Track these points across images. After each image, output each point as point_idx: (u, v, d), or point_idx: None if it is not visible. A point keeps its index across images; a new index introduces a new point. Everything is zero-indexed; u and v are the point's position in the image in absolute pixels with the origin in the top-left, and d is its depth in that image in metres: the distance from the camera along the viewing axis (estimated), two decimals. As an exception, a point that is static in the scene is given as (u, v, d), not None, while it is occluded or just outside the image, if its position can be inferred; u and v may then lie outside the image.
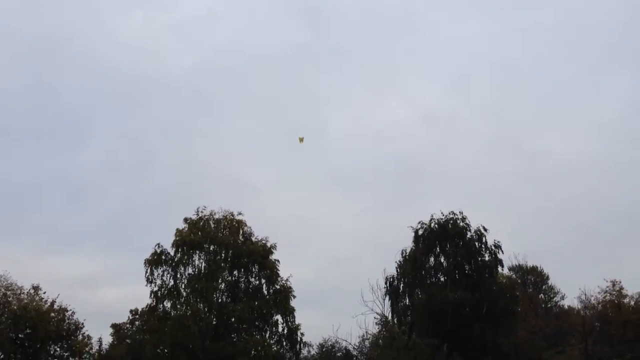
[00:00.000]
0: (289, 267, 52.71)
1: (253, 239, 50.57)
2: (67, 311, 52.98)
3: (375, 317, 42.92)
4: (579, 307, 61.85)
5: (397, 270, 48.05)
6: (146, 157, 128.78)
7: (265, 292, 49.65)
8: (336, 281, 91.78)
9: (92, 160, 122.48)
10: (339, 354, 60.08)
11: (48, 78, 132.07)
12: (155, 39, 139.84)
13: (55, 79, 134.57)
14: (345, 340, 45.63)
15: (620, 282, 58.74)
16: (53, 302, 52.62)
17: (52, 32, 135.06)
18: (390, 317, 45.33)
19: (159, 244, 49.32)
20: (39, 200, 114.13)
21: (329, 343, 59.08)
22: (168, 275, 48.82)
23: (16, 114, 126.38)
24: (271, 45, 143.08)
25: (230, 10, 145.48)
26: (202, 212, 50.75)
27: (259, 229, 52.16)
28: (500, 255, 47.74)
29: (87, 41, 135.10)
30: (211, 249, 49.37)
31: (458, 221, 47.64)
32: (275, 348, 48.02)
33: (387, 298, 46.62)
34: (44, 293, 53.04)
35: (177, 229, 49.59)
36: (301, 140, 45.91)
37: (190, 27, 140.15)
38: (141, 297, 52.86)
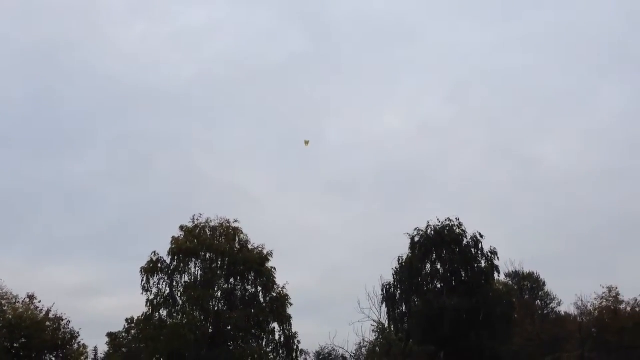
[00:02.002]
0: (286, 275, 52.64)
1: (249, 246, 50.44)
2: (62, 320, 52.69)
3: (372, 325, 42.98)
4: (576, 313, 61.90)
5: (393, 277, 48.10)
6: (144, 165, 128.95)
7: (262, 300, 49.48)
8: (333, 288, 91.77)
9: (90, 168, 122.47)
10: (335, 362, 59.93)
11: (48, 87, 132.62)
12: (154, 49, 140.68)
13: (55, 88, 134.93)
14: (342, 348, 45.65)
15: (616, 288, 58.80)
16: (48, 311, 52.35)
17: (52, 41, 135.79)
18: (387, 324, 45.36)
19: (155, 252, 49.21)
20: (36, 208, 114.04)
21: (326, 351, 59.00)
22: (164, 283, 48.62)
23: (15, 121, 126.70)
24: (269, 54, 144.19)
25: (229, 21, 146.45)
26: (198, 219, 50.67)
27: (257, 237, 52.19)
28: (496, 262, 47.90)
29: (87, 50, 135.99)
30: (207, 256, 49.22)
31: (454, 228, 47.74)
32: (271, 356, 47.82)
33: (384, 305, 46.74)
34: (39, 302, 52.80)
35: (173, 237, 49.47)
36: (307, 143, 47.35)
37: (189, 37, 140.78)
38: (137, 305, 52.75)
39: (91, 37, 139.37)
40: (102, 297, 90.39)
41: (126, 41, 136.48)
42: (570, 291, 75.53)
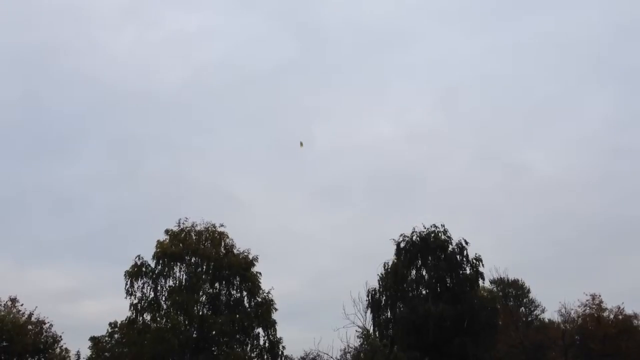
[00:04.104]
0: (273, 280, 52.56)
1: (235, 251, 50.33)
2: (44, 324, 52.28)
3: (357, 330, 42.85)
4: (559, 320, 62.33)
5: (379, 283, 47.98)
6: (132, 170, 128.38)
7: (247, 305, 49.35)
8: (318, 294, 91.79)
9: (78, 172, 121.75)
10: (320, 368, 59.78)
11: (37, 90, 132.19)
12: (146, 54, 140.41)
13: (45, 92, 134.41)
14: (327, 354, 45.25)
15: (600, 295, 59.32)
16: (30, 315, 51.89)
17: (41, 46, 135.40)
18: (371, 330, 45.31)
19: (139, 255, 48.93)
20: (23, 211, 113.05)
21: (311, 356, 58.63)
22: (148, 287, 48.35)
23: (3, 124, 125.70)
24: (260, 60, 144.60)
25: (221, 26, 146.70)
26: (183, 223, 50.52)
27: (244, 241, 52.02)
28: (481, 269, 47.80)
29: (77, 54, 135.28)
30: (192, 261, 49.03)
31: (440, 234, 47.78)
32: (256, 361, 47.72)
33: (369, 311, 46.61)
34: (22, 305, 52.37)
35: (158, 241, 49.24)
36: (302, 144, 49.20)
37: (180, 42, 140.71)
38: (121, 309, 52.28)
39: (82, 42, 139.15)
40: (86, 301, 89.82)
41: (117, 46, 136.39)
42: (554, 298, 75.86)
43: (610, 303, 59.27)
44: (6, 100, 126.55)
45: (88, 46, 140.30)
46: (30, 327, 51.29)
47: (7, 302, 52.09)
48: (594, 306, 58.92)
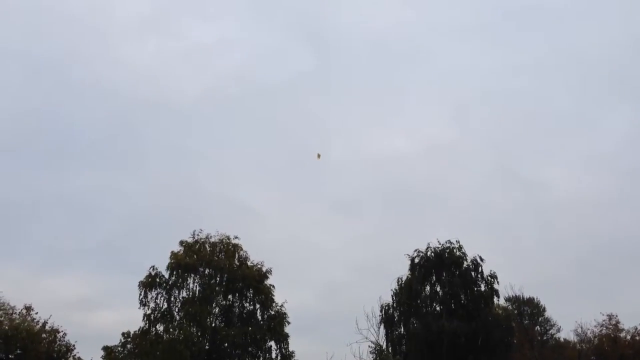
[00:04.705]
0: (286, 292, 52.43)
1: (249, 263, 50.38)
2: (58, 332, 52.42)
3: (369, 346, 42.75)
4: (575, 340, 61.48)
5: (392, 299, 47.80)
6: (148, 179, 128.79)
7: (260, 318, 49.30)
8: (332, 308, 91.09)
9: (95, 182, 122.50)
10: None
11: (56, 100, 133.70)
12: (165, 65, 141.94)
13: (64, 101, 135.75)
14: (340, 369, 45.22)
15: (616, 316, 58.45)
16: (45, 323, 52.09)
17: (61, 55, 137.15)
18: (384, 346, 45.03)
19: (153, 266, 49.23)
20: (39, 219, 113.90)
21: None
22: (162, 298, 48.51)
23: (23, 132, 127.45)
24: (277, 72, 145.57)
25: (238, 39, 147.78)
26: (198, 235, 50.74)
27: (258, 253, 52.02)
28: (496, 286, 47.54)
29: (96, 64, 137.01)
30: (206, 272, 49.15)
31: (454, 250, 47.55)
32: (268, 375, 47.55)
33: (382, 326, 46.40)
34: (36, 314, 52.60)
35: (172, 252, 49.45)
36: (319, 156, 50.64)
37: (199, 54, 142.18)
38: (134, 319, 52.49)
39: (102, 52, 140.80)
40: (100, 311, 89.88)
41: (137, 57, 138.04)
42: (571, 317, 74.68)
43: (627, 323, 58.41)
44: (25, 108, 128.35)
45: (108, 57, 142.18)
46: (44, 335, 51.48)
47: (22, 310, 52.46)
48: (610, 326, 58.08)
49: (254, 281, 49.21)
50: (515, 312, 69.60)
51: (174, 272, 48.69)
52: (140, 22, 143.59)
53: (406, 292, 47.34)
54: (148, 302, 48.10)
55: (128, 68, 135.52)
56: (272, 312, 49.29)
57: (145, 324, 47.75)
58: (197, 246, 49.83)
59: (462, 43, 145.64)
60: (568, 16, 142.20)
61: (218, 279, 49.12)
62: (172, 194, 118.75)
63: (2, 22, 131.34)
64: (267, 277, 50.00)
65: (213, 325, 47.94)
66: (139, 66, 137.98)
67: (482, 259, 47.53)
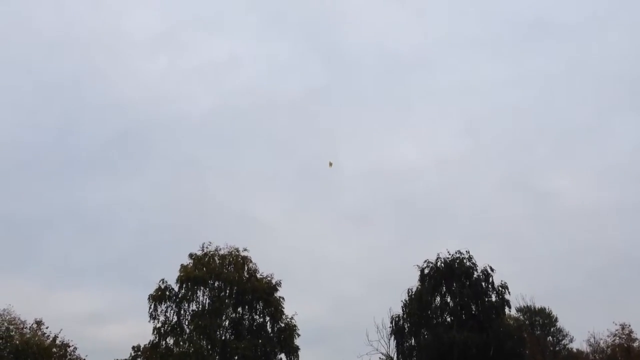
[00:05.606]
0: (296, 304, 52.40)
1: (258, 275, 50.32)
2: (69, 347, 52.48)
3: (380, 358, 42.56)
4: (588, 350, 60.98)
5: (402, 310, 47.51)
6: (161, 194, 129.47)
7: (270, 330, 49.17)
8: (342, 319, 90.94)
9: (107, 196, 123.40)
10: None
11: (71, 116, 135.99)
12: (177, 80, 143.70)
13: (78, 117, 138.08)
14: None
15: (629, 325, 58.05)
16: (55, 337, 52.19)
17: (77, 72, 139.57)
18: (395, 358, 44.79)
19: (163, 279, 49.30)
20: (52, 233, 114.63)
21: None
22: (172, 311, 48.53)
23: (38, 148, 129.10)
24: (287, 85, 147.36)
25: (250, 55, 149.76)
26: (207, 247, 50.78)
27: (268, 265, 52.06)
28: (507, 296, 47.14)
29: (110, 81, 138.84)
30: (216, 285, 49.13)
31: (464, 261, 47.28)
32: (278, 387, 47.37)
33: (393, 338, 46.15)
34: (47, 328, 52.76)
35: (182, 265, 49.51)
36: (331, 164, 51.40)
37: (211, 68, 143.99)
38: (145, 333, 52.43)
39: (115, 69, 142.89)
40: (110, 324, 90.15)
41: (150, 73, 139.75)
42: (583, 328, 74.11)
43: (640, 333, 57.95)
44: (40, 123, 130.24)
45: (121, 73, 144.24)
46: (54, 350, 51.50)
47: (32, 324, 52.60)
48: (623, 336, 57.65)
49: (264, 293, 49.14)
50: (527, 322, 69.12)
51: (184, 285, 48.72)
52: (153, 39, 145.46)
53: (416, 303, 47.06)
54: (158, 315, 48.18)
55: (141, 83, 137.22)
56: (282, 325, 49.17)
57: (156, 337, 47.75)
58: (206, 259, 49.86)
59: (472, 55, 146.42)
60: (578, 29, 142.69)
61: (227, 291, 49.09)
62: (183, 207, 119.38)
63: (23, 41, 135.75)
64: (276, 289, 49.93)
65: (223, 338, 47.84)
66: (151, 81, 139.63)
67: (492, 269, 47.25)
